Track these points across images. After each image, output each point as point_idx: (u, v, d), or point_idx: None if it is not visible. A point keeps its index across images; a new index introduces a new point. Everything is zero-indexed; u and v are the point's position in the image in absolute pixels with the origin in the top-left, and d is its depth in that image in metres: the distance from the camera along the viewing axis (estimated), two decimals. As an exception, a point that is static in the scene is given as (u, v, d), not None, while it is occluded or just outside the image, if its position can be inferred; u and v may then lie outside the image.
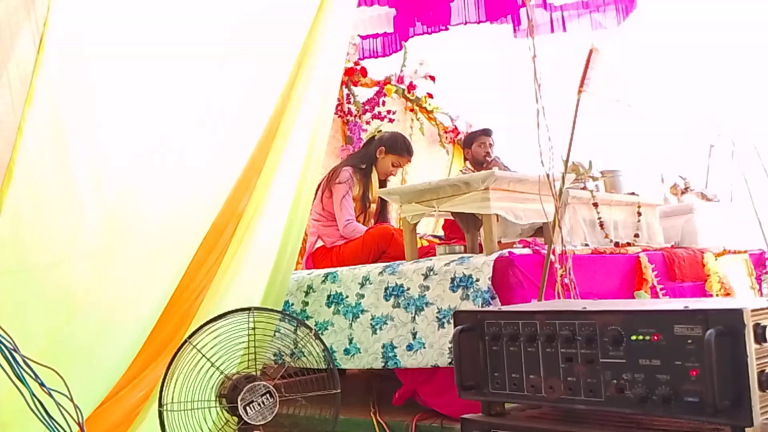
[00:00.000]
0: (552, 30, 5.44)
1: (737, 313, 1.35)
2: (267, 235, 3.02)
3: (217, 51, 2.80)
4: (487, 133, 4.98)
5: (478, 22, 5.46)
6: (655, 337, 1.44)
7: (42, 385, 1.82)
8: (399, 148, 4.25)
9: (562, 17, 5.43)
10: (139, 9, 2.54)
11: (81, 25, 2.38)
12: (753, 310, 1.36)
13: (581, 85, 2.93)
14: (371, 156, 4.25)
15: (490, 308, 2.51)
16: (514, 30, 5.47)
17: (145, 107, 2.58)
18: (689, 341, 1.39)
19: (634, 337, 1.47)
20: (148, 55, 2.56)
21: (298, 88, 3.08)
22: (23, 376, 1.81)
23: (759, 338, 1.36)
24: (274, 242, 3.08)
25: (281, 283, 3.16)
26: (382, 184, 4.35)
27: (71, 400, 1.82)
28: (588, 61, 2.95)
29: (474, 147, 4.97)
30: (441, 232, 5.21)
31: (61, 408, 1.82)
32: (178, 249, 2.83)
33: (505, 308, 1.91)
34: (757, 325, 1.36)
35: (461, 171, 5.22)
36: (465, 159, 5.22)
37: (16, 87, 2.24)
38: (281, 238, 3.10)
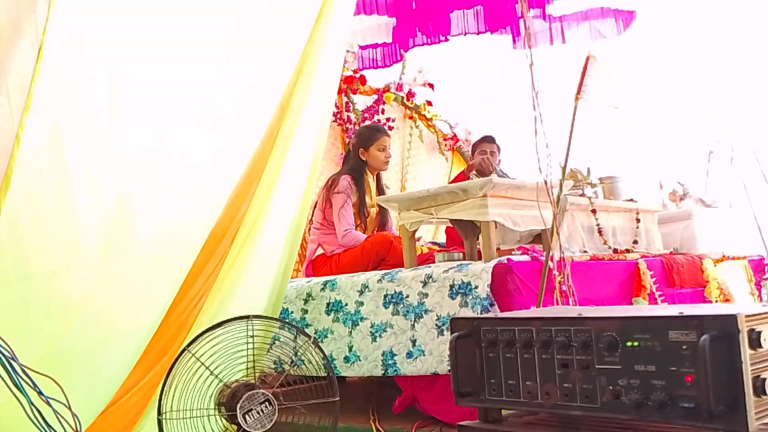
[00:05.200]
0: (551, 41, 5.45)
1: (732, 319, 1.35)
2: (270, 242, 3.02)
3: (217, 52, 2.79)
4: (488, 140, 4.94)
5: (478, 33, 5.47)
6: (650, 343, 1.44)
7: (40, 393, 1.82)
8: (370, 134, 4.28)
9: (561, 27, 5.44)
10: (139, 11, 2.55)
11: (80, 31, 2.38)
12: (747, 316, 1.36)
13: (578, 92, 2.94)
14: (357, 161, 4.26)
15: (487, 315, 2.52)
16: (513, 41, 5.48)
17: (143, 110, 2.58)
18: (684, 347, 1.39)
19: (629, 343, 1.47)
20: (145, 57, 2.55)
21: (297, 95, 3.08)
22: (21, 385, 1.81)
23: (754, 343, 1.35)
24: (277, 249, 3.08)
25: (280, 290, 3.17)
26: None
27: (69, 408, 1.82)
28: (585, 68, 2.97)
29: (476, 156, 4.94)
30: (440, 239, 5.21)
31: (59, 417, 1.82)
32: (178, 256, 2.82)
33: (501, 315, 1.91)
34: (751, 331, 1.36)
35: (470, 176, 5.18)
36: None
37: (14, 95, 2.24)
38: (283, 245, 3.10)
